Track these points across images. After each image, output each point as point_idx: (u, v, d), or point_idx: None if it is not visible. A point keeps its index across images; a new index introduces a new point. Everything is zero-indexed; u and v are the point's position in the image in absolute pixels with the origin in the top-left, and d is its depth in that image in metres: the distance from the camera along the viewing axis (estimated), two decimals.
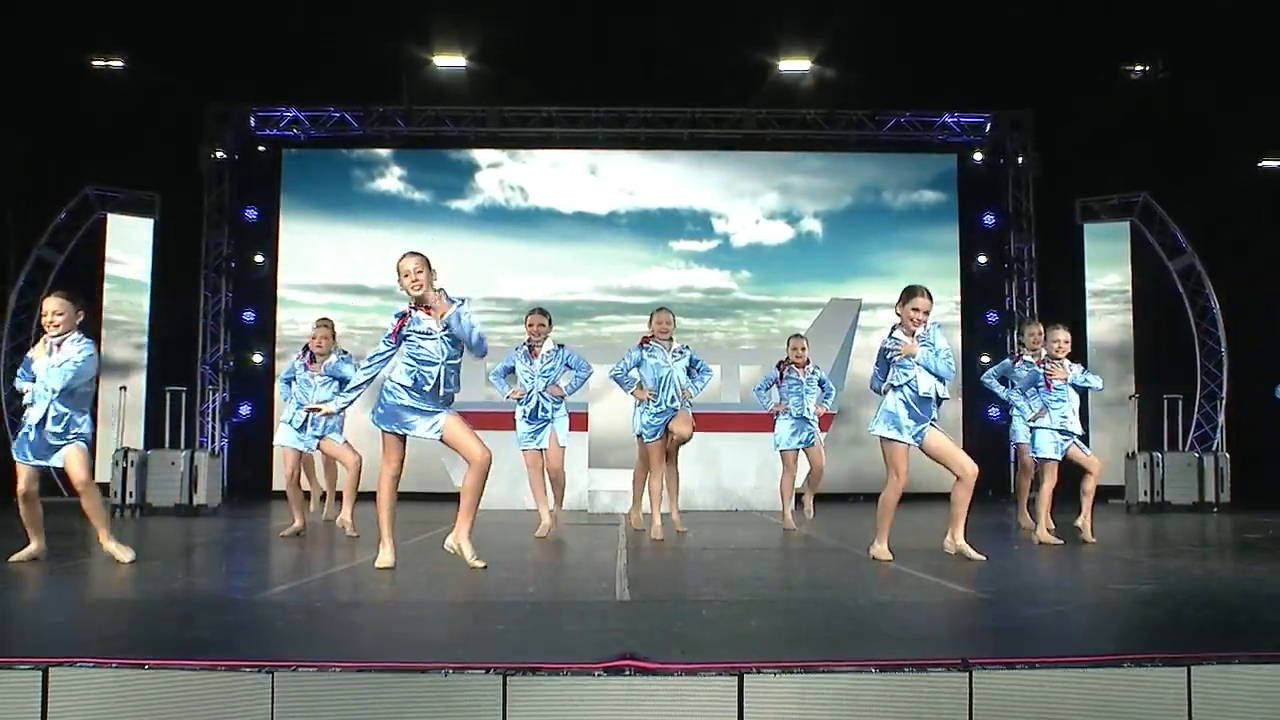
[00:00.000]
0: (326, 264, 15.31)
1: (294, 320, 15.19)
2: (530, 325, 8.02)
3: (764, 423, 9.74)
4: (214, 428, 14.75)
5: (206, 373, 14.83)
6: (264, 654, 3.24)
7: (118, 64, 13.20)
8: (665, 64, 13.51)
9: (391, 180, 15.71)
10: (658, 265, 15.73)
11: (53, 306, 5.87)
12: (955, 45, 12.80)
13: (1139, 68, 13.61)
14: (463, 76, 14.01)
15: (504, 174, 15.76)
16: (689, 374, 7.98)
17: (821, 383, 9.29)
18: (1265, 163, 14.58)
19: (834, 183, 15.81)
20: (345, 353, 8.31)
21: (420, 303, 5.63)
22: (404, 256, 5.67)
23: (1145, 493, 12.14)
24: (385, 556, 5.64)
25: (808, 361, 9.22)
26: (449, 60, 13.76)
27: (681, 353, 8.01)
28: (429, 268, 5.63)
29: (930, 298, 6.44)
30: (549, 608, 4.54)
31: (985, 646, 3.60)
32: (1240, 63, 12.56)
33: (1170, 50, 13.21)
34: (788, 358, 9.21)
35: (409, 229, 15.23)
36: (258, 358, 15.14)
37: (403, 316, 5.66)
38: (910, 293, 6.44)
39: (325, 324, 8.28)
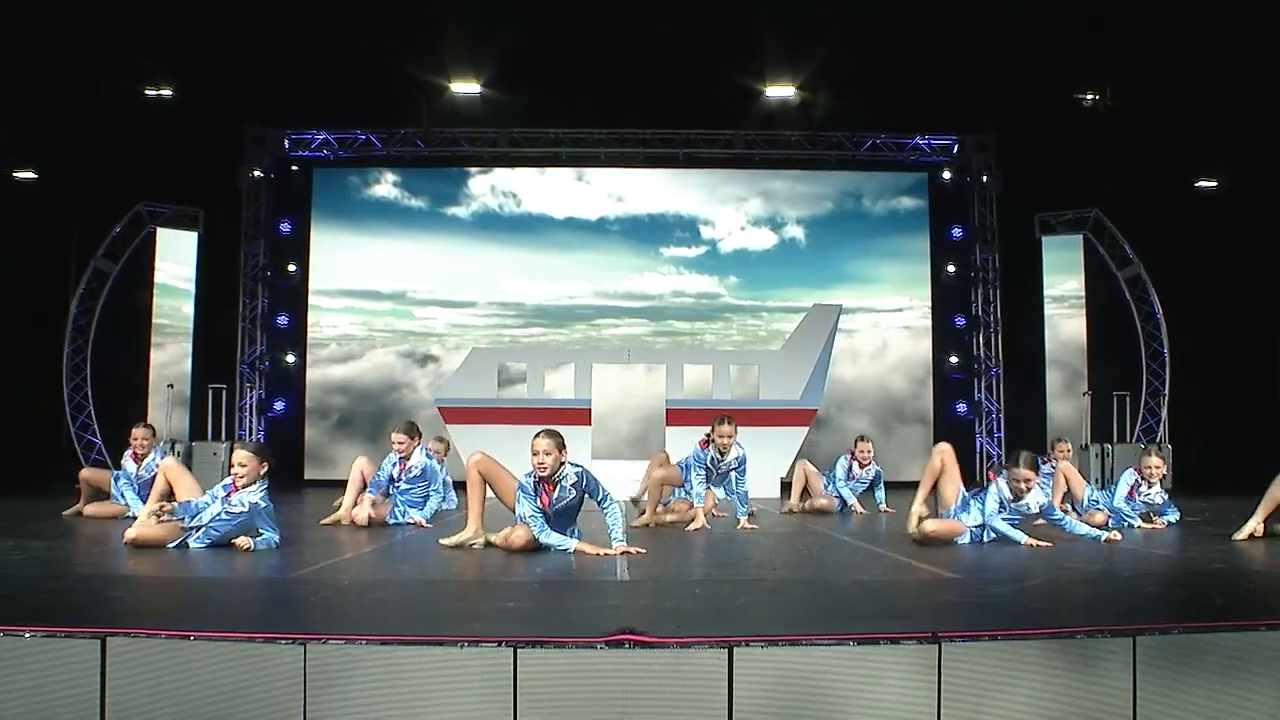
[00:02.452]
0: (349, 272, 15.34)
1: (319, 324, 15.24)
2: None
3: (750, 418, 9.74)
4: (251, 421, 14.76)
5: (245, 372, 14.83)
6: (297, 627, 3.24)
7: (167, 93, 13.24)
8: (663, 89, 13.55)
9: (395, 190, 15.60)
10: (650, 271, 15.63)
11: (238, 458, 5.76)
12: (926, 74, 12.84)
13: (1091, 97, 13.67)
14: (477, 101, 14.02)
15: (495, 179, 15.65)
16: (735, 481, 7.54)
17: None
18: (1201, 183, 14.68)
19: (814, 188, 15.73)
20: (429, 454, 7.76)
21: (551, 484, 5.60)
22: (537, 436, 5.58)
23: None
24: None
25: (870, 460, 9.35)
26: (464, 86, 13.77)
27: (733, 468, 7.50)
28: (559, 448, 5.56)
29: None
30: (555, 587, 4.54)
31: (953, 621, 3.60)
32: (1179, 94, 12.67)
33: (1118, 81, 13.29)
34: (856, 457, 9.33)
35: (414, 237, 15.31)
36: (290, 358, 15.16)
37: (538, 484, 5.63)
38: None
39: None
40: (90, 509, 8.03)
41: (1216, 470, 13.38)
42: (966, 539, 6.14)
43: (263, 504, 5.69)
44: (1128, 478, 7.66)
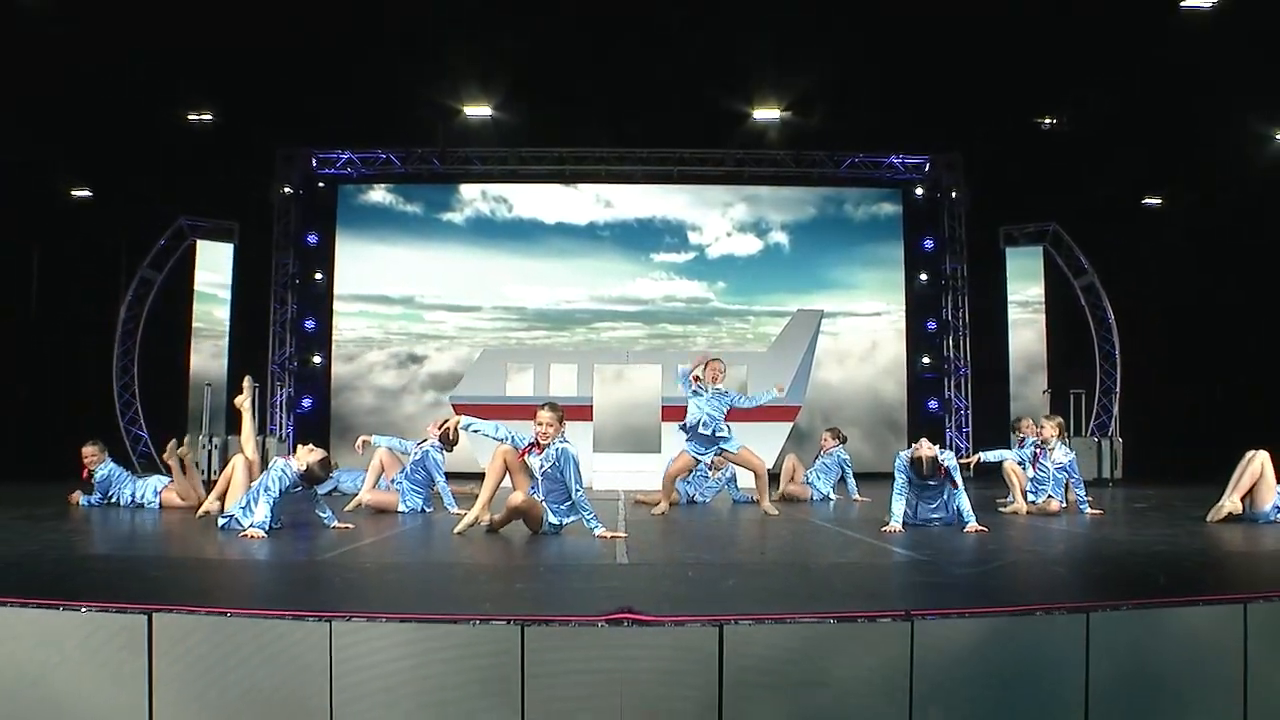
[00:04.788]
0: (366, 280, 15.34)
1: (338, 327, 15.24)
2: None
3: (740, 414, 9.74)
4: (281, 417, 14.76)
5: (275, 371, 14.83)
6: (323, 606, 3.24)
7: (207, 117, 13.30)
8: (660, 111, 13.60)
9: (392, 197, 15.46)
10: (642, 276, 15.45)
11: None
12: (900, 99, 12.89)
13: (1049, 121, 13.74)
14: (488, 123, 14.04)
15: (486, 185, 15.47)
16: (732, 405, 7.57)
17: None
18: (1148, 200, 14.74)
19: (797, 194, 15.58)
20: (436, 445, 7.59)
21: (540, 448, 5.68)
22: (542, 407, 5.73)
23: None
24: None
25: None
26: (477, 110, 13.79)
27: (723, 397, 7.52)
28: (559, 421, 5.68)
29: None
30: (559, 570, 4.53)
31: (924, 600, 3.61)
32: (1127, 119, 12.76)
33: (1074, 107, 13.38)
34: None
35: (417, 244, 15.26)
36: (317, 359, 15.16)
37: (525, 448, 5.74)
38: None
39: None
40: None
41: (1165, 461, 13.45)
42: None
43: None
44: (1028, 454, 7.71)
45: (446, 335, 15.38)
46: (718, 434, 7.43)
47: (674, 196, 15.52)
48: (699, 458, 7.55)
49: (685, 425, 7.52)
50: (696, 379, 7.53)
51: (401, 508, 7.44)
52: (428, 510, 7.45)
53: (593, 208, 15.47)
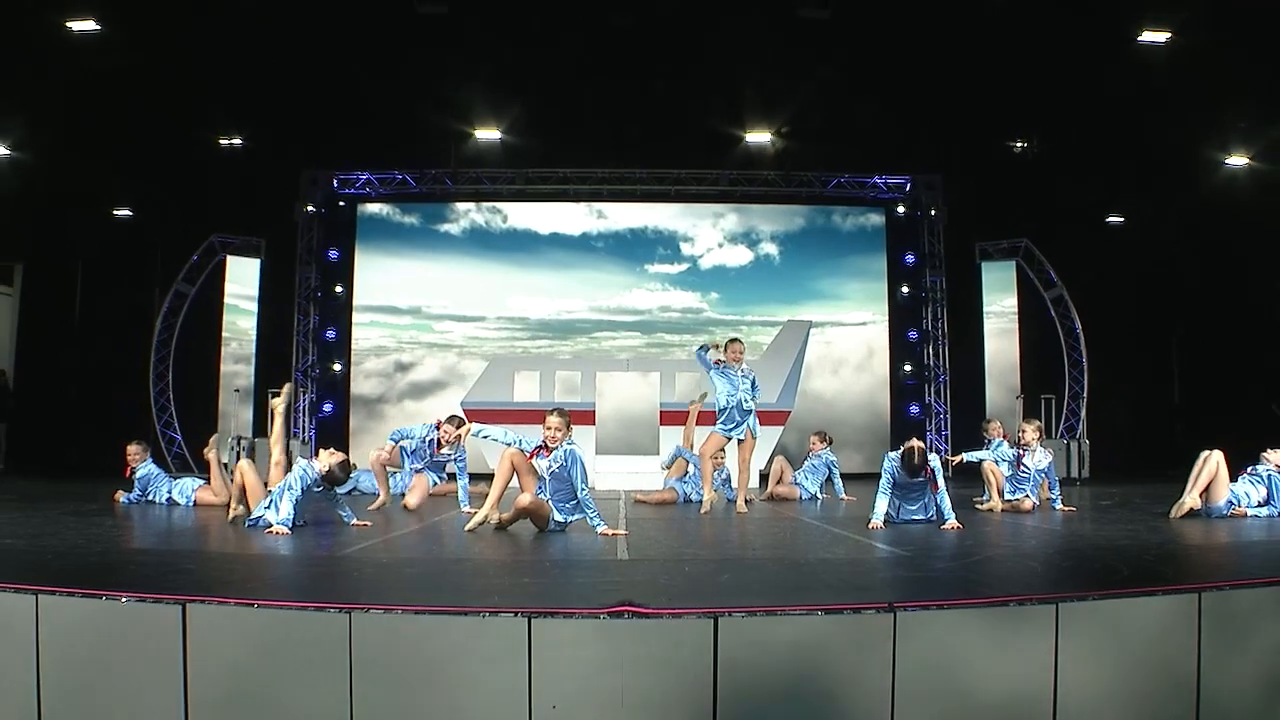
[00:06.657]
0: (380, 292, 15.29)
1: (356, 337, 15.24)
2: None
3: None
4: (304, 421, 14.75)
5: (298, 378, 14.83)
6: (343, 598, 3.25)
7: (237, 142, 13.37)
8: (658, 135, 13.64)
9: (388, 207, 15.25)
10: (637, 287, 15.28)
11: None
12: (883, 123, 12.94)
13: (1020, 144, 13.80)
14: (497, 146, 14.08)
15: (496, 203, 15.31)
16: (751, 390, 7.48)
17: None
18: (1111, 218, 14.80)
19: (786, 205, 15.45)
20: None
21: (548, 450, 5.67)
22: (551, 413, 5.75)
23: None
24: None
25: None
26: (487, 134, 13.83)
27: (746, 376, 7.47)
28: (567, 427, 5.70)
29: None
30: (564, 565, 4.54)
31: (906, 593, 3.61)
32: (1094, 142, 12.82)
33: (1042, 132, 13.45)
34: None
35: (419, 256, 15.13)
36: (337, 366, 15.15)
37: (534, 450, 5.73)
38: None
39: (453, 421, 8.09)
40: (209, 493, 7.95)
41: (1128, 461, 13.47)
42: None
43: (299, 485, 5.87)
44: (1006, 454, 7.59)
45: (455, 345, 15.33)
46: (745, 407, 7.39)
47: (666, 207, 15.43)
48: (730, 435, 7.45)
49: (718, 406, 7.44)
50: (719, 361, 7.44)
51: (431, 490, 7.94)
52: (440, 481, 7.97)
53: (586, 219, 15.29)
